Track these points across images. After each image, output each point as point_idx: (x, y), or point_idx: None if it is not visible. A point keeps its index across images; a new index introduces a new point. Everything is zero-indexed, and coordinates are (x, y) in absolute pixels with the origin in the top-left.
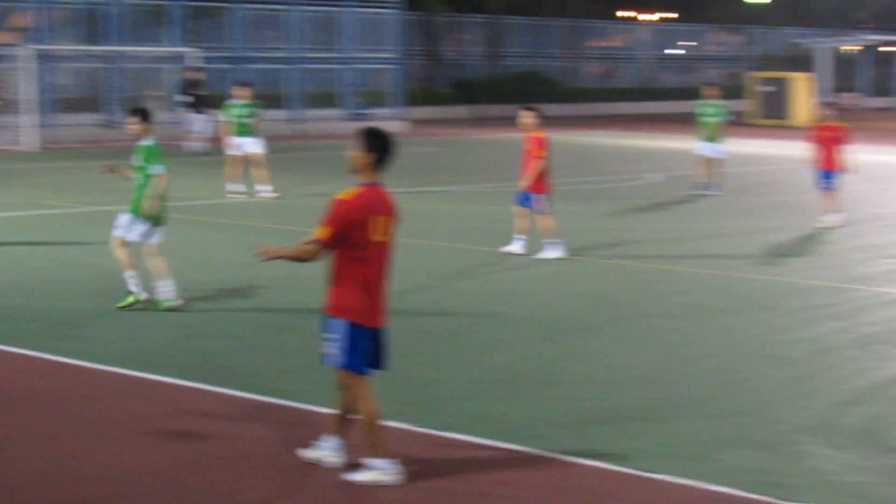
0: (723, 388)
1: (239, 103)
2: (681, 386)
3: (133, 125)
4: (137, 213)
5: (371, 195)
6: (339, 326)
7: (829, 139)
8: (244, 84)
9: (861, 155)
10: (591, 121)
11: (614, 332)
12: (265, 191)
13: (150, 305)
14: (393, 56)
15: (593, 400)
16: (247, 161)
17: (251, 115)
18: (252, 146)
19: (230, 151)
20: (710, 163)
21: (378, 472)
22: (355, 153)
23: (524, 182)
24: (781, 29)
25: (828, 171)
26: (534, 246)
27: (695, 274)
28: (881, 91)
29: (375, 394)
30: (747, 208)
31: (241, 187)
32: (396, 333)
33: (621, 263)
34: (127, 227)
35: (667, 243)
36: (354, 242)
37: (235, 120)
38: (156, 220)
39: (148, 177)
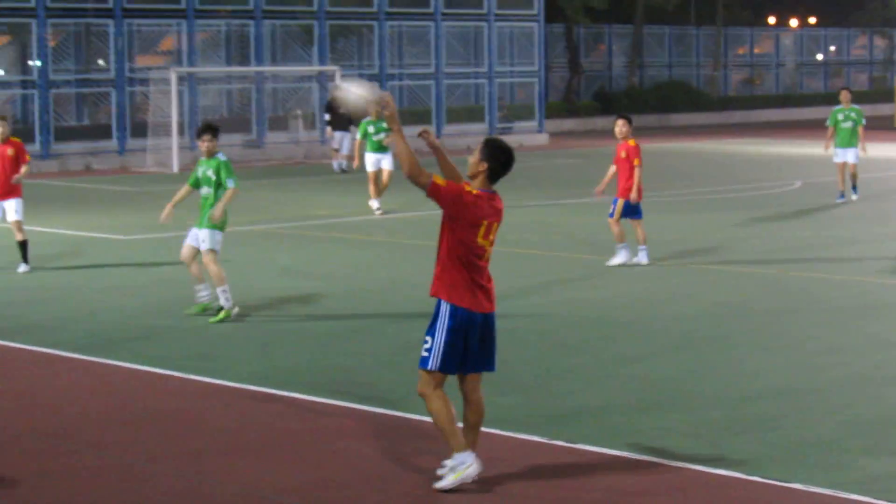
0: (862, 395)
1: (373, 121)
2: (819, 393)
3: (205, 142)
4: (216, 226)
5: (483, 200)
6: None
7: None
8: None
9: None
10: (735, 129)
11: (752, 340)
12: (374, 207)
13: (202, 310)
14: (535, 69)
15: (729, 409)
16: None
17: (381, 132)
18: (385, 163)
19: (368, 168)
20: (844, 168)
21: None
22: (473, 159)
23: (635, 195)
24: None
25: None
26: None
27: (831, 280)
28: None
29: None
30: (885, 214)
31: (376, 203)
32: (534, 344)
33: (755, 271)
34: (210, 240)
35: (801, 250)
36: (461, 238)
37: (369, 137)
38: (222, 229)
39: (220, 190)
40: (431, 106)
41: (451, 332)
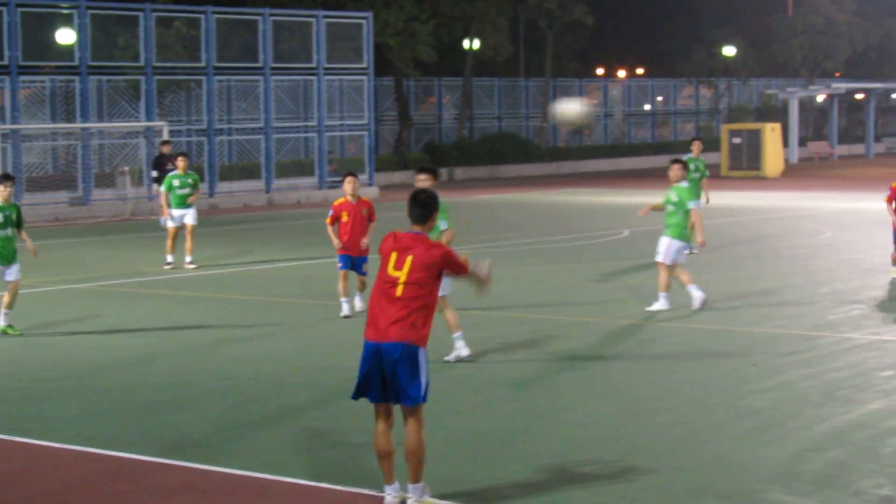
0: (688, 441)
1: (177, 174)
2: (645, 439)
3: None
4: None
5: (397, 239)
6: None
7: None
8: (182, 155)
9: (837, 203)
10: (565, 179)
11: (580, 388)
12: (187, 263)
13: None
14: (365, 122)
15: (556, 457)
16: (181, 232)
17: (186, 186)
18: (188, 218)
19: (167, 223)
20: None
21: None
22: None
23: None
24: (752, 80)
25: None
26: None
27: (660, 327)
28: (852, 138)
29: None
30: (716, 260)
31: (171, 258)
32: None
33: (582, 320)
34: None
35: (625, 298)
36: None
37: (173, 191)
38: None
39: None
40: (261, 160)
41: (362, 361)
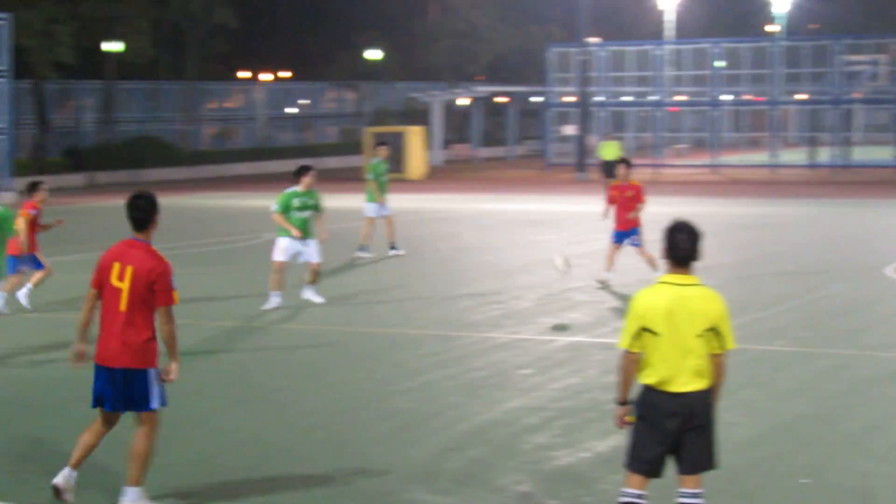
0: (329, 444)
1: None
2: (286, 444)
3: None
4: None
5: (118, 247)
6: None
7: (627, 198)
8: None
9: (478, 204)
10: (208, 183)
11: (223, 394)
12: None
13: None
14: (2, 126)
15: (201, 464)
16: None
17: None
18: None
19: None
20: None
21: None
22: None
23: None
24: (396, 84)
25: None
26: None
27: (301, 331)
28: (494, 141)
29: None
30: (366, 261)
31: None
32: None
33: (224, 324)
34: None
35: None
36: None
37: None
38: None
39: None
40: None
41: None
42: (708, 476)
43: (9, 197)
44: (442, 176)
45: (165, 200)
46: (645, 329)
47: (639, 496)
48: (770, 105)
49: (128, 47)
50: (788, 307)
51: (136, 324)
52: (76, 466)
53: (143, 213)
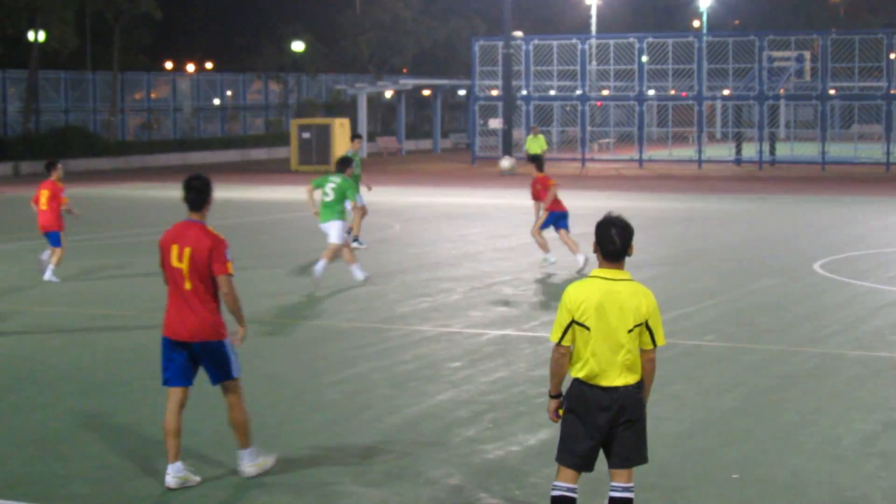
0: (258, 436)
1: None
2: (216, 436)
3: None
4: None
5: (175, 229)
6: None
7: (538, 190)
8: None
9: (405, 197)
10: (133, 174)
11: (154, 386)
12: None
13: None
14: None
15: (124, 460)
16: None
17: None
18: None
19: None
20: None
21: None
22: None
23: None
24: (321, 76)
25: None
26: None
27: (230, 322)
28: (419, 134)
29: None
30: (286, 255)
31: None
32: None
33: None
34: None
35: None
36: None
37: None
38: None
39: None
40: None
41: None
42: (639, 470)
43: None
44: (368, 168)
45: (92, 191)
46: (576, 322)
47: (570, 490)
48: (695, 100)
49: (51, 37)
50: (717, 302)
51: (204, 299)
52: (176, 459)
53: (198, 193)
